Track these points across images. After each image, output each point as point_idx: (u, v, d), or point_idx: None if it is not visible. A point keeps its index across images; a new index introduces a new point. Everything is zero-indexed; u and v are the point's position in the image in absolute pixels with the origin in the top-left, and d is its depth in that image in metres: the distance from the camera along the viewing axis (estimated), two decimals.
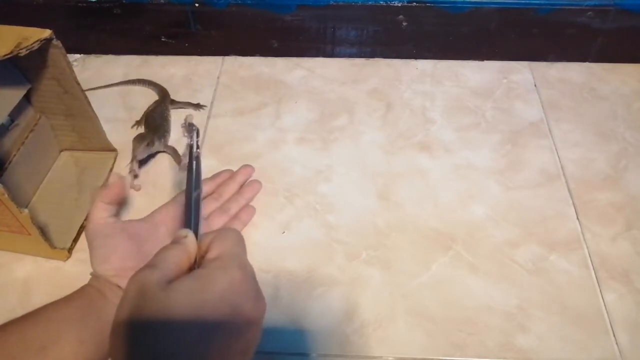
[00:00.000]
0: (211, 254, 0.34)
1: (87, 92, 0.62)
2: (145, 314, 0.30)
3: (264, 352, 0.51)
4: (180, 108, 0.76)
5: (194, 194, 0.39)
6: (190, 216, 0.38)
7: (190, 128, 0.44)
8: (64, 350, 0.38)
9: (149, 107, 0.75)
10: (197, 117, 0.74)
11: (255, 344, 0.33)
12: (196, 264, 0.35)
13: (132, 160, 0.64)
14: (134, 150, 0.63)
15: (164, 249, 0.35)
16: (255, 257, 0.58)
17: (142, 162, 0.67)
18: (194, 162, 0.41)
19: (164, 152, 0.69)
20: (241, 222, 0.60)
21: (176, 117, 0.74)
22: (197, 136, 0.43)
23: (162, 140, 0.68)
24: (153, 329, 0.30)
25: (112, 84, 0.79)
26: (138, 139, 0.64)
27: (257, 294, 0.34)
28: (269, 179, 0.66)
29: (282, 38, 0.82)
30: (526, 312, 0.54)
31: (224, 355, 0.31)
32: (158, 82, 0.79)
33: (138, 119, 0.74)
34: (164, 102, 0.75)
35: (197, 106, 0.76)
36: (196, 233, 0.37)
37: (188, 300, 0.30)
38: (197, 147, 0.43)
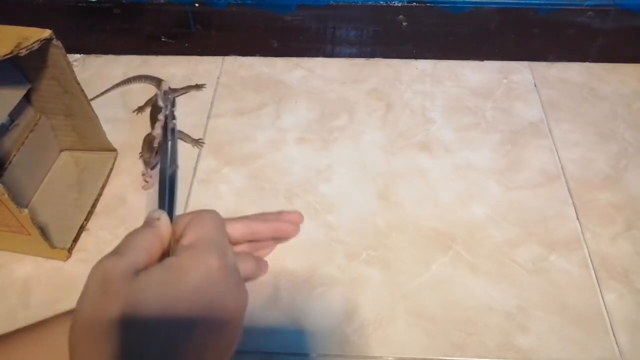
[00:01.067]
0: (186, 239, 0.30)
1: (92, 98, 0.62)
2: (108, 311, 0.26)
3: (264, 352, 0.51)
4: (183, 94, 0.77)
5: (169, 171, 0.35)
6: (165, 196, 0.34)
7: (165, 97, 0.40)
8: None
9: (151, 98, 0.75)
10: (197, 117, 0.74)
11: (237, 339, 0.30)
12: (170, 250, 0.31)
13: (145, 167, 0.66)
14: (144, 156, 0.64)
15: (134, 232, 0.30)
16: None
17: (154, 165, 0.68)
18: (169, 135, 0.37)
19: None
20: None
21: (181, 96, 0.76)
22: (173, 106, 0.40)
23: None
24: (116, 330, 0.26)
25: (110, 88, 0.79)
26: (148, 147, 0.64)
27: (237, 284, 0.30)
28: (269, 179, 0.66)
29: (282, 38, 0.82)
30: (526, 312, 0.54)
31: (203, 355, 0.28)
32: None
33: (139, 118, 0.74)
34: (165, 93, 0.75)
35: (198, 87, 0.78)
36: (171, 215, 0.32)
37: (158, 294, 0.27)
38: (174, 118, 0.39)
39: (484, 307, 0.54)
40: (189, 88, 0.77)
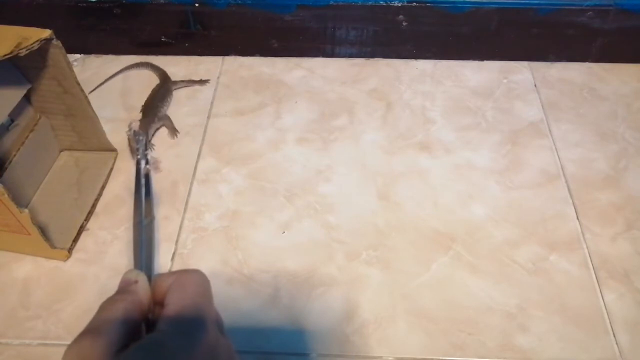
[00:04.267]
0: (169, 309, 0.26)
1: (90, 92, 0.62)
2: None
3: (264, 352, 0.51)
4: (185, 87, 0.78)
5: (144, 222, 0.31)
6: (141, 252, 0.30)
7: (136, 138, 0.37)
8: None
9: (152, 91, 0.77)
10: (197, 117, 0.74)
11: None
12: (150, 314, 0.28)
13: (146, 146, 0.66)
14: (131, 150, 0.66)
15: (109, 302, 0.26)
16: (255, 257, 0.58)
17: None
18: (143, 181, 0.33)
19: (160, 127, 0.72)
20: None
21: (181, 95, 0.77)
22: (146, 148, 0.34)
23: (157, 118, 0.71)
24: None
25: (112, 76, 0.80)
26: (145, 126, 0.67)
27: (231, 356, 0.27)
28: (269, 179, 0.66)
29: (282, 38, 0.82)
30: (526, 312, 0.54)
31: None
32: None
33: (139, 119, 0.74)
34: (166, 83, 0.77)
35: (201, 82, 0.79)
36: (149, 273, 0.29)
37: None
38: (147, 163, 0.34)
39: (484, 307, 0.54)
40: (191, 82, 0.79)
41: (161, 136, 0.72)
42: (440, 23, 0.78)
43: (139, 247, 0.30)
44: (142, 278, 0.28)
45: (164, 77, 0.78)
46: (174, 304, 0.27)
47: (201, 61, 0.84)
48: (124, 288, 0.27)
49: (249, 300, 0.55)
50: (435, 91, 0.78)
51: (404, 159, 0.69)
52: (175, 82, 0.78)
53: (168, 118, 0.72)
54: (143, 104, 0.73)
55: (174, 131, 0.71)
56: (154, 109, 0.71)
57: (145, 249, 0.30)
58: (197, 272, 0.28)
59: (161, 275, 0.28)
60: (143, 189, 0.32)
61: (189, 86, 0.78)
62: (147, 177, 0.33)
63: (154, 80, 0.79)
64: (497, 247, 0.59)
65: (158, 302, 0.28)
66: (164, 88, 0.75)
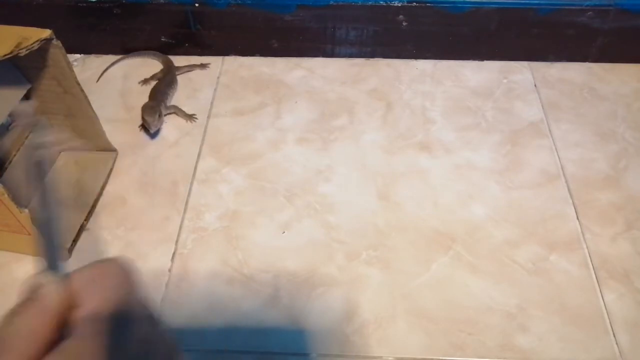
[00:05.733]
0: (83, 309, 0.23)
1: (97, 79, 0.68)
2: None
3: (264, 352, 0.51)
4: (187, 72, 0.81)
5: (44, 214, 0.26)
6: (50, 249, 0.25)
7: (23, 121, 0.30)
8: None
9: (156, 74, 0.79)
10: (197, 117, 0.74)
11: None
12: (63, 318, 0.23)
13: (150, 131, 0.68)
14: (148, 124, 0.68)
15: (14, 314, 0.23)
16: (255, 257, 0.58)
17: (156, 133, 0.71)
18: (34, 169, 0.27)
19: (170, 114, 0.74)
20: None
21: (181, 95, 0.76)
22: (40, 131, 0.27)
23: (164, 104, 0.72)
24: None
25: (116, 61, 0.82)
26: (149, 112, 0.68)
27: (169, 350, 0.24)
28: (269, 179, 0.66)
29: (282, 38, 0.82)
30: (526, 312, 0.54)
31: None
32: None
33: (138, 118, 0.74)
34: (170, 70, 0.78)
35: (202, 66, 0.81)
36: (55, 269, 0.24)
37: None
38: (38, 147, 0.27)
39: (484, 307, 0.54)
40: (193, 66, 0.81)
41: (162, 135, 0.72)
42: (440, 23, 0.78)
43: (46, 242, 0.25)
44: (48, 280, 0.24)
45: (168, 64, 0.80)
46: (87, 304, 0.23)
47: (201, 61, 0.83)
48: (29, 294, 0.23)
49: (249, 300, 0.55)
50: (435, 91, 0.78)
51: (404, 159, 0.69)
52: (178, 68, 0.80)
53: (177, 107, 0.74)
54: (152, 90, 0.75)
55: (188, 117, 0.73)
56: (161, 93, 0.73)
57: (47, 240, 0.25)
58: (112, 262, 0.24)
59: (74, 272, 0.24)
60: (36, 176, 0.27)
61: (191, 70, 0.81)
62: (40, 165, 0.27)
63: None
64: (497, 247, 0.59)
65: (73, 304, 0.24)
66: (170, 75, 0.77)
